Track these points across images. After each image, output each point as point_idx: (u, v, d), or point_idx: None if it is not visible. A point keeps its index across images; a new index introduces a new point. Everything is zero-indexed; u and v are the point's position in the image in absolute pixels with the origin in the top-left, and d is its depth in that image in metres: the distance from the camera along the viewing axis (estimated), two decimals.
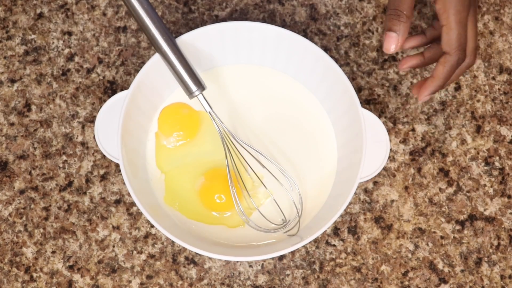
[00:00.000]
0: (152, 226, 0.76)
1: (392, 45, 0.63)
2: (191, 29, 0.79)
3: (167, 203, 0.73)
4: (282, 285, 0.74)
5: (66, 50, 0.81)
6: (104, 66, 0.81)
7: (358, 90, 0.80)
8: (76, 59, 0.81)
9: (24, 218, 0.76)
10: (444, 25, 0.64)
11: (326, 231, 0.76)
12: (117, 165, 0.77)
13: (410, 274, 0.75)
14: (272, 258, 0.75)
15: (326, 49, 0.82)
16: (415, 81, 0.81)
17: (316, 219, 0.72)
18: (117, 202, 0.76)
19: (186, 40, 0.71)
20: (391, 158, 0.78)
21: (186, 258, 0.75)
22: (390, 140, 0.78)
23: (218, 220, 0.73)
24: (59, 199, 0.76)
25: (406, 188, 0.77)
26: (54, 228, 0.76)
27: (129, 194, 0.76)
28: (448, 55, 0.65)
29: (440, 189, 0.77)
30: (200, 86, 0.69)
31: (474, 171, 0.78)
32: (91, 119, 0.79)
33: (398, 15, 0.63)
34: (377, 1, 0.84)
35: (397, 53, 0.82)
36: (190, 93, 0.70)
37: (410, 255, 0.75)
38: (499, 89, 0.81)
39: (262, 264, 0.75)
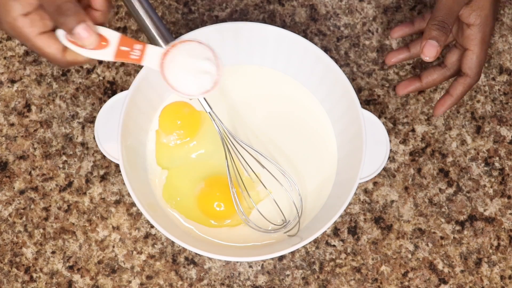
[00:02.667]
0: (152, 227, 0.76)
1: (434, 53, 0.66)
2: (191, 29, 0.79)
3: (165, 199, 0.73)
4: (282, 285, 0.74)
5: None
6: (104, 67, 0.81)
7: (358, 90, 0.80)
8: None
9: (24, 219, 0.76)
10: (470, 50, 0.69)
11: (326, 231, 0.76)
12: (117, 166, 0.77)
13: (410, 275, 0.75)
14: (272, 259, 0.75)
15: (326, 49, 0.82)
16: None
17: (316, 219, 0.72)
18: (117, 202, 0.76)
19: None
20: (391, 159, 0.78)
21: (186, 258, 0.75)
22: (390, 141, 0.78)
23: (215, 225, 0.73)
24: (59, 199, 0.76)
25: (406, 188, 0.77)
26: (54, 228, 0.76)
27: (129, 194, 0.76)
28: (468, 77, 0.70)
29: (440, 189, 0.78)
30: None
31: (474, 171, 0.78)
32: (91, 120, 0.79)
33: (444, 28, 0.66)
34: (377, 2, 0.84)
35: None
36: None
37: (410, 256, 0.76)
38: (499, 89, 0.81)
39: (262, 264, 0.75)
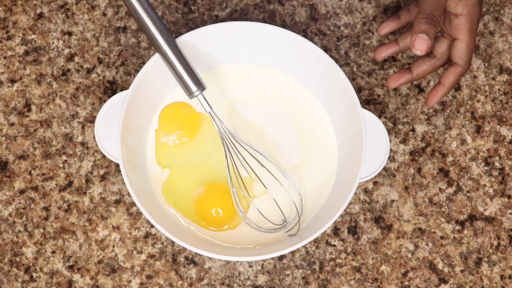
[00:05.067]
0: (152, 226, 0.76)
1: (425, 46, 0.66)
2: (191, 29, 0.79)
3: (164, 195, 0.73)
4: (282, 285, 0.74)
5: (66, 50, 0.81)
6: (104, 66, 0.81)
7: (358, 90, 0.80)
8: (76, 59, 0.81)
9: (24, 218, 0.76)
10: (459, 39, 0.69)
11: (326, 231, 0.76)
12: (117, 165, 0.77)
13: (410, 274, 0.75)
14: (272, 258, 0.75)
15: (326, 49, 0.82)
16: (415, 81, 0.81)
17: (316, 219, 0.72)
18: (117, 202, 0.76)
19: (186, 40, 0.71)
20: (391, 158, 0.78)
21: (186, 258, 0.75)
22: (390, 140, 0.78)
23: (213, 229, 0.74)
24: (59, 199, 0.76)
25: (406, 188, 0.77)
26: (54, 228, 0.76)
27: (129, 194, 0.76)
28: (459, 66, 0.70)
29: (440, 189, 0.78)
30: (200, 86, 0.70)
31: (474, 171, 0.78)
32: (91, 119, 0.79)
33: (433, 20, 0.66)
34: (377, 1, 0.84)
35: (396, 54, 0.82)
36: (190, 93, 0.70)
37: (410, 255, 0.75)
38: (499, 89, 0.81)
39: (262, 264, 0.75)
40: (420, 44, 0.66)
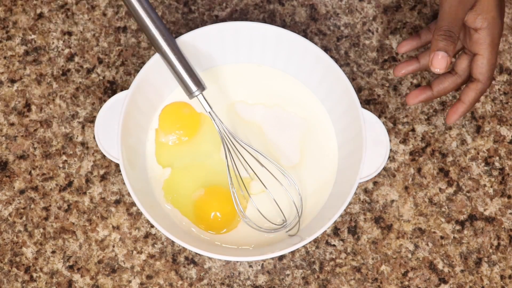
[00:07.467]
0: (152, 226, 0.76)
1: (444, 64, 0.64)
2: (191, 29, 0.79)
3: (165, 192, 0.73)
4: (282, 285, 0.74)
5: (66, 50, 0.81)
6: (104, 66, 0.81)
7: (358, 90, 0.80)
8: (76, 59, 0.81)
9: (24, 218, 0.76)
10: (480, 54, 0.67)
11: (326, 231, 0.76)
12: (117, 165, 0.77)
13: (410, 274, 0.75)
14: (272, 258, 0.75)
15: (326, 49, 0.82)
16: (415, 81, 0.81)
17: (316, 219, 0.72)
18: (117, 202, 0.76)
19: (186, 40, 0.71)
20: (391, 158, 0.78)
21: (186, 258, 0.75)
22: (390, 140, 0.78)
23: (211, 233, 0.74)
24: (59, 199, 0.76)
25: (406, 188, 0.77)
26: (54, 228, 0.76)
27: (129, 194, 0.76)
28: (480, 82, 0.68)
29: (440, 189, 0.78)
30: (200, 86, 0.70)
31: (474, 171, 0.78)
32: (91, 119, 0.79)
33: (451, 36, 0.64)
34: (377, 1, 0.84)
35: (396, 53, 0.82)
36: (190, 93, 0.70)
37: (410, 255, 0.75)
38: (499, 89, 0.81)
39: (262, 264, 0.75)
40: (439, 62, 0.64)
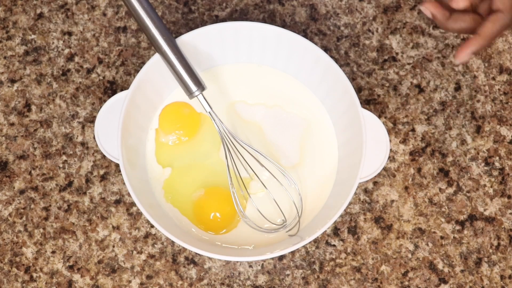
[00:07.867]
0: (152, 226, 0.76)
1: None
2: (191, 29, 0.79)
3: (165, 190, 0.73)
4: (282, 285, 0.74)
5: (66, 50, 0.81)
6: (104, 66, 0.81)
7: (358, 90, 0.80)
8: (76, 59, 0.81)
9: (24, 218, 0.76)
10: None
11: (326, 231, 0.76)
12: (117, 165, 0.77)
13: (410, 274, 0.75)
14: (272, 258, 0.75)
15: (326, 49, 0.82)
16: (415, 81, 0.81)
17: (316, 219, 0.72)
18: (117, 202, 0.76)
19: (186, 40, 0.71)
20: (391, 158, 0.78)
21: (186, 258, 0.75)
22: (390, 140, 0.78)
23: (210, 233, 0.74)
24: (59, 199, 0.76)
25: (406, 188, 0.77)
26: (54, 228, 0.76)
27: (129, 194, 0.76)
28: (501, 13, 0.59)
29: (440, 189, 0.78)
30: (200, 86, 0.70)
31: (474, 171, 0.78)
32: (91, 119, 0.79)
33: None
34: (377, 1, 0.84)
35: (396, 53, 0.81)
36: (190, 93, 0.70)
37: (410, 255, 0.75)
38: (499, 89, 0.81)
39: (262, 264, 0.75)
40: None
